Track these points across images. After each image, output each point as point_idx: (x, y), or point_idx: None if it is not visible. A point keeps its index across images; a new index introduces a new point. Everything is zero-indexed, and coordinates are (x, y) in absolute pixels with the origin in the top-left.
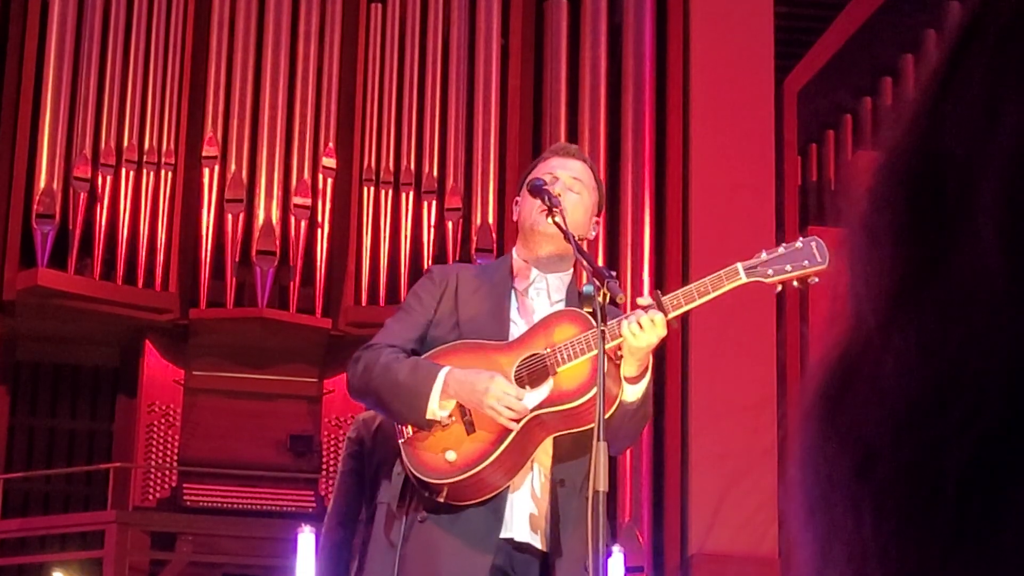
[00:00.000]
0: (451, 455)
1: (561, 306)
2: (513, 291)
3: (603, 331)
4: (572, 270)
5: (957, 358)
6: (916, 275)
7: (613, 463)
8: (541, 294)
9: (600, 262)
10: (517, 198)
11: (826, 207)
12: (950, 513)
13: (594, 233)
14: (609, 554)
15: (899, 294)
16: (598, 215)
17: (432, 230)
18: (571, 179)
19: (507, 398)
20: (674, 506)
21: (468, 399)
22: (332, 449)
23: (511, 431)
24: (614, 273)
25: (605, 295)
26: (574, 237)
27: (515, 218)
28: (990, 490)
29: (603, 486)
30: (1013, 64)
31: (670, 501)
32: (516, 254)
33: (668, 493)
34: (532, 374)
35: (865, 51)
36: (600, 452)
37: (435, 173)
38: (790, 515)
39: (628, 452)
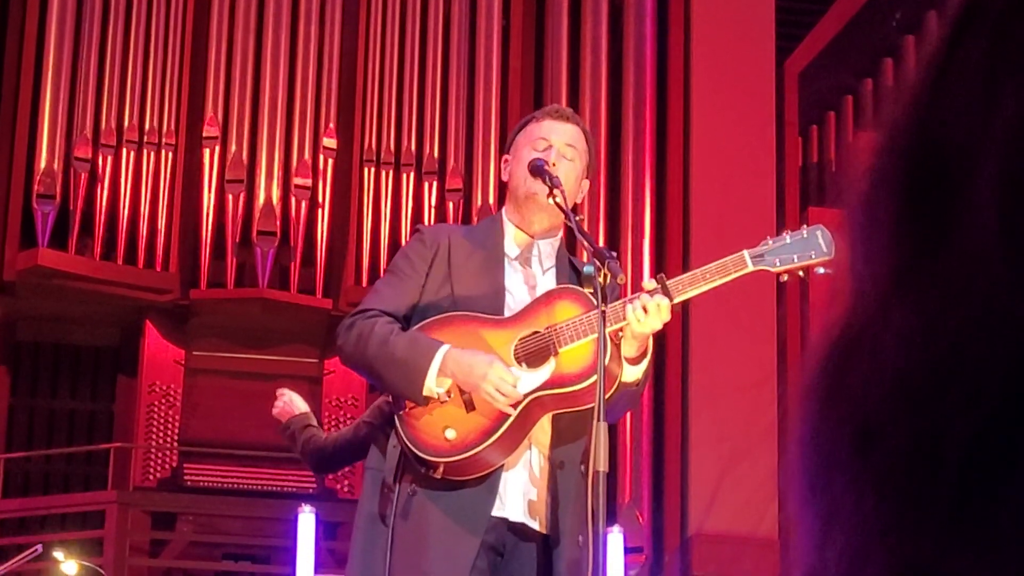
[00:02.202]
0: (451, 433)
1: (552, 272)
2: (506, 258)
3: (603, 312)
4: (561, 234)
5: (958, 339)
6: (916, 255)
7: (613, 444)
8: (533, 261)
9: (601, 242)
10: (506, 156)
11: (827, 188)
12: (950, 493)
13: (582, 197)
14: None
15: (899, 274)
16: (587, 177)
17: (433, 211)
18: (565, 146)
19: (504, 384)
20: (674, 487)
21: (465, 380)
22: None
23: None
24: (615, 253)
25: (606, 276)
26: (574, 216)
27: (504, 178)
28: (990, 471)
29: (603, 466)
30: (1012, 45)
31: (670, 482)
32: (507, 217)
33: (668, 474)
34: (533, 353)
35: (866, 32)
36: (600, 433)
37: (436, 154)
38: (790, 495)
39: (628, 433)
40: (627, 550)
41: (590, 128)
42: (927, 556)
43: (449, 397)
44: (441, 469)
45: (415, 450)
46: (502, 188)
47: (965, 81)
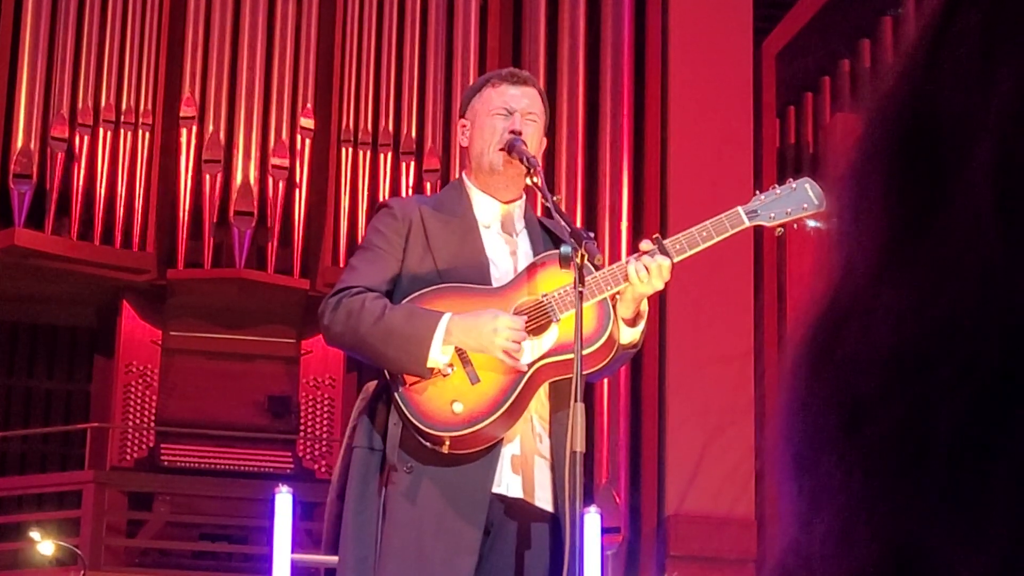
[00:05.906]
0: (458, 407)
1: (525, 235)
2: (480, 226)
3: (580, 292)
4: (524, 195)
5: (950, 313)
6: (908, 228)
7: (590, 424)
8: (505, 226)
9: (578, 223)
10: (463, 121)
11: (804, 170)
12: (940, 471)
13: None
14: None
15: (891, 247)
16: (544, 135)
17: (410, 191)
18: (527, 111)
19: (518, 334)
20: (651, 467)
21: (476, 344)
22: (309, 410)
23: (517, 382)
24: (592, 234)
25: (583, 256)
26: (551, 197)
27: (463, 143)
28: (981, 448)
29: (580, 447)
30: (1009, 15)
31: (647, 462)
32: (471, 183)
33: (645, 454)
34: (534, 322)
35: (843, 14)
36: (577, 413)
37: (413, 134)
38: (774, 471)
39: (605, 413)
40: (604, 530)
41: (568, 111)
42: (915, 534)
43: (452, 370)
44: (448, 444)
45: (421, 425)
46: None
47: (961, 53)
